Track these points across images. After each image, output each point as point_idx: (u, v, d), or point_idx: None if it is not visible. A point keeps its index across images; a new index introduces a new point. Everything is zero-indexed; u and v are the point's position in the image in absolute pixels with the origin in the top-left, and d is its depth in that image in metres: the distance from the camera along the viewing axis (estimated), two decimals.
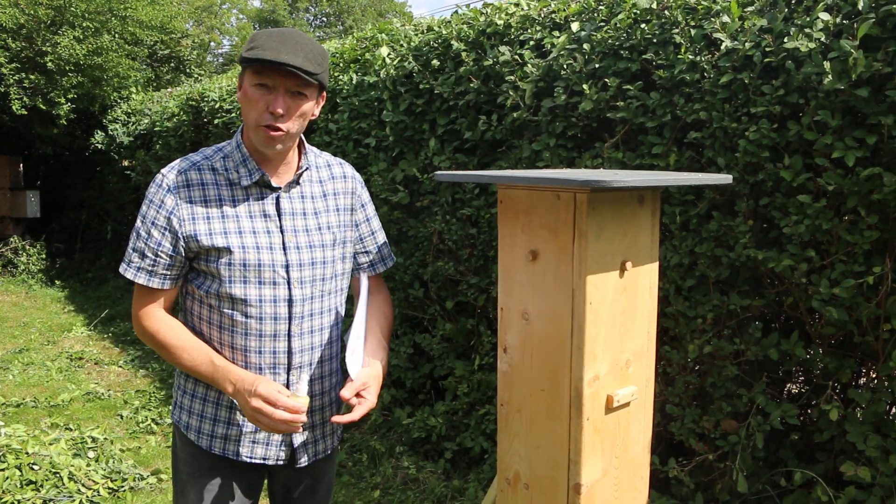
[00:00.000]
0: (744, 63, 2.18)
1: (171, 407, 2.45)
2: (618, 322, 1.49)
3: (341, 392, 1.57)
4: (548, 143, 2.74)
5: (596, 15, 2.67)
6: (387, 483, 3.41)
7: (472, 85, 3.04)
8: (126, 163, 8.25)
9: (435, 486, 3.29)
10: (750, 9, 2.21)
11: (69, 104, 8.21)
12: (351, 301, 1.92)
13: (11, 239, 9.02)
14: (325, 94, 1.65)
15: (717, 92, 2.21)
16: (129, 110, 8.11)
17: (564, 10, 2.81)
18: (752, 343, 2.32)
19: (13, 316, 7.15)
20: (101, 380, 5.20)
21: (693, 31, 2.29)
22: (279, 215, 1.63)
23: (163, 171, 1.62)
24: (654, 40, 2.41)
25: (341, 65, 3.96)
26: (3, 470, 3.35)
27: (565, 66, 2.64)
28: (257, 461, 1.69)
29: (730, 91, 2.20)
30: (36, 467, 3.41)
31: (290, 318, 1.63)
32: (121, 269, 1.62)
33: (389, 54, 3.57)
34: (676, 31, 2.34)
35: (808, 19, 2.05)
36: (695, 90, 2.29)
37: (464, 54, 3.09)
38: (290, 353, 1.65)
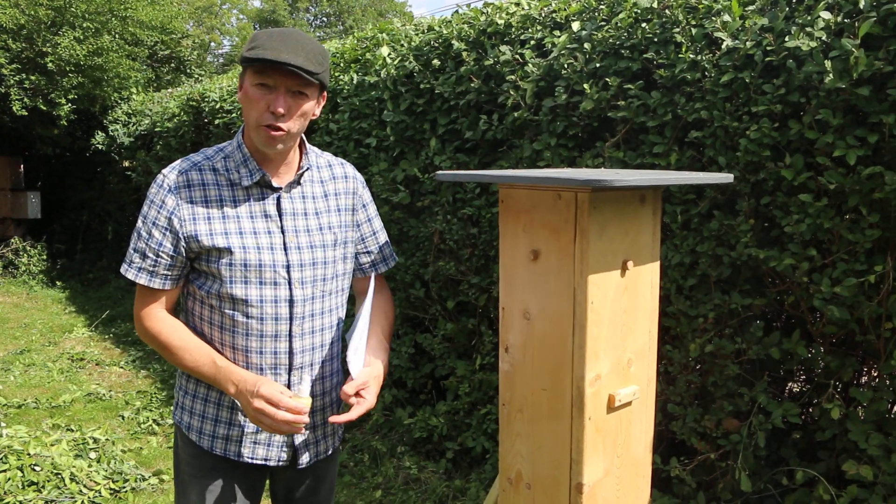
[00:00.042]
0: (745, 62, 2.17)
1: (172, 408, 2.45)
2: (619, 321, 1.49)
3: (341, 389, 1.57)
4: (549, 143, 2.74)
5: (597, 14, 2.67)
6: (388, 483, 3.41)
7: (472, 84, 3.04)
8: (127, 163, 8.26)
9: (437, 485, 3.29)
10: (751, 8, 2.21)
11: (70, 105, 8.21)
12: (352, 301, 1.92)
13: (12, 240, 9.02)
14: (325, 93, 1.65)
15: (718, 91, 2.21)
16: (130, 111, 8.12)
17: (565, 9, 2.81)
18: (754, 342, 2.32)
19: (14, 317, 7.15)
20: (102, 381, 5.20)
21: (694, 31, 2.29)
22: (280, 215, 1.63)
23: (164, 171, 1.62)
24: (655, 39, 2.41)
25: (342, 65, 3.96)
26: (4, 471, 3.35)
27: (566, 66, 2.64)
28: (259, 462, 1.69)
29: (731, 90, 2.20)
30: (37, 468, 3.41)
31: (291, 319, 1.63)
32: (122, 270, 1.62)
33: (390, 54, 3.57)
34: (677, 30, 2.34)
35: (809, 18, 2.05)
36: (696, 89, 2.29)
37: (464, 54, 3.09)
38: (291, 353, 1.64)
